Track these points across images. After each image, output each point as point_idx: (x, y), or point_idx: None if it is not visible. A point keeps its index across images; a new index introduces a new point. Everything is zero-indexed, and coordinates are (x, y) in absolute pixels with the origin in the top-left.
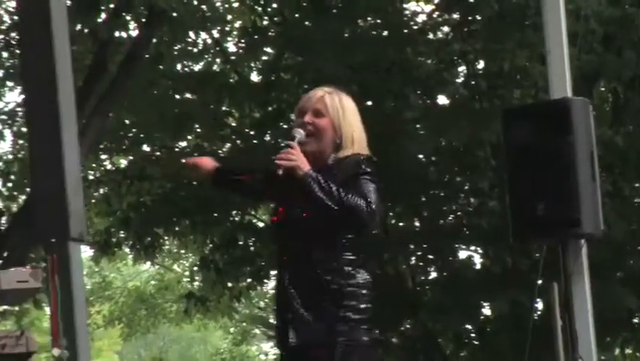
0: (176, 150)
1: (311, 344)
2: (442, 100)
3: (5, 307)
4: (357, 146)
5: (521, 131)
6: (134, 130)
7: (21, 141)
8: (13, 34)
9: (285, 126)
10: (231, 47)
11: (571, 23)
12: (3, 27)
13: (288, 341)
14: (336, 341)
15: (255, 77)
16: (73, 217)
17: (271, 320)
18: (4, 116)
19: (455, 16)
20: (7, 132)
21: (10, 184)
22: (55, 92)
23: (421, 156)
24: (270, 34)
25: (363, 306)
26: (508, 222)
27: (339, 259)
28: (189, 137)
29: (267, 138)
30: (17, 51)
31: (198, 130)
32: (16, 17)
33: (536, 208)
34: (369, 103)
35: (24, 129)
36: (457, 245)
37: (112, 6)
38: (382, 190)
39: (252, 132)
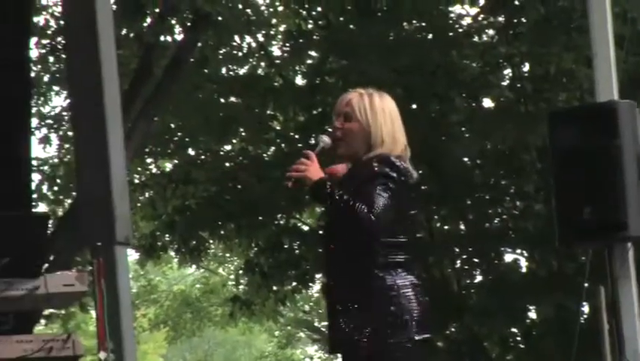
0: (221, 153)
1: (345, 345)
2: (488, 103)
3: (52, 310)
4: (387, 146)
5: (567, 134)
6: (179, 134)
7: (67, 145)
8: (59, 39)
9: (330, 130)
10: (276, 51)
11: (617, 26)
12: (49, 32)
13: (330, 342)
14: (369, 342)
15: (299, 80)
16: (119, 221)
17: (316, 324)
18: (50, 121)
19: (500, 19)
20: (54, 136)
21: (55, 188)
22: (101, 96)
23: (466, 159)
24: (314, 37)
25: (394, 308)
26: (554, 225)
27: (371, 262)
28: (234, 140)
29: (312, 141)
30: (63, 56)
31: (243, 134)
32: (61, 22)
33: (582, 212)
34: (414, 106)
35: (70, 133)
36: (502, 248)
37: (157, 10)
38: (399, 188)
39: (296, 136)
